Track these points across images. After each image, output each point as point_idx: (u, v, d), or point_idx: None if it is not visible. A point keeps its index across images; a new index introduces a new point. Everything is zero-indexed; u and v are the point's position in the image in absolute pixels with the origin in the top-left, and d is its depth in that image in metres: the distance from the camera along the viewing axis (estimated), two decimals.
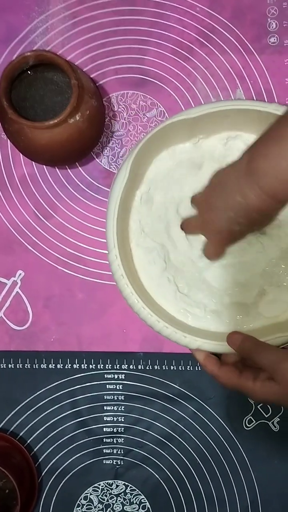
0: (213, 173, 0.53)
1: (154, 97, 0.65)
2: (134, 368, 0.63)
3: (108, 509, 0.63)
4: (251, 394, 0.49)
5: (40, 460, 0.63)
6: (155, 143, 0.58)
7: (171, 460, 0.62)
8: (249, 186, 0.47)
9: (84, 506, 0.63)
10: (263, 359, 0.48)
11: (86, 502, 0.63)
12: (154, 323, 0.54)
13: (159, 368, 0.63)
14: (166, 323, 0.54)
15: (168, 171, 0.60)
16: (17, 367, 0.64)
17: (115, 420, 0.63)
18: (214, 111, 0.57)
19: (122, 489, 0.63)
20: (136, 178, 0.59)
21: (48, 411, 0.63)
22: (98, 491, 0.63)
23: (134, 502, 0.62)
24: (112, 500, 0.63)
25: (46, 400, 0.63)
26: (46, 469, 0.63)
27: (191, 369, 0.63)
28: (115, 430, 0.63)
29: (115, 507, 0.63)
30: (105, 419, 0.63)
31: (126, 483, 0.63)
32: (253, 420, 0.62)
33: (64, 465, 0.63)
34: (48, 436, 0.63)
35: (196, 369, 0.63)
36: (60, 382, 0.63)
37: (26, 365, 0.63)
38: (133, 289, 0.54)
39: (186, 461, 0.62)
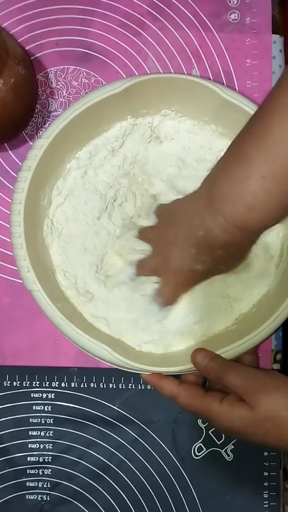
0: (169, 202, 0.47)
1: (99, 74, 0.58)
2: (67, 386, 0.55)
3: None
4: (216, 419, 0.43)
5: None
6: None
7: (106, 495, 0.54)
8: (212, 217, 0.40)
9: None
10: (234, 378, 0.42)
11: None
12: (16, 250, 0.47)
13: (95, 386, 0.55)
14: (29, 265, 0.47)
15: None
16: None
17: (41, 447, 0.55)
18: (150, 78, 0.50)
19: None
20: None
21: None
22: None
23: None
24: None
25: None
26: None
27: (133, 387, 0.55)
28: (41, 459, 0.55)
29: None
30: (30, 447, 0.55)
31: None
32: (203, 447, 0.55)
33: None
34: None
35: (139, 387, 0.55)
36: None
37: None
38: (23, 215, 0.47)
39: (125, 496, 0.54)
